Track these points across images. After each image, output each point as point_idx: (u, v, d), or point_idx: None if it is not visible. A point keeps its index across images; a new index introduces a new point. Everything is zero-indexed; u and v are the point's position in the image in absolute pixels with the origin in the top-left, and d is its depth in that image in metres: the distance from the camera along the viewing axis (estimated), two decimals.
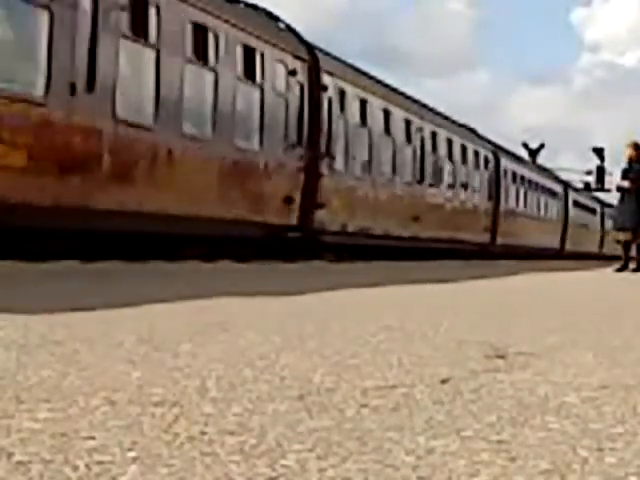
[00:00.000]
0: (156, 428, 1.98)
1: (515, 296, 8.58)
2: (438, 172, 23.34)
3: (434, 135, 23.08)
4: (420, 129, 21.94)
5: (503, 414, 2.28)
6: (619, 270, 16.50)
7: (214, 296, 6.11)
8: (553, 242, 37.25)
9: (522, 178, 32.40)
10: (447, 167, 24.07)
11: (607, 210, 46.31)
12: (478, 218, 27.19)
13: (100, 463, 1.67)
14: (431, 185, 22.85)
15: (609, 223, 40.59)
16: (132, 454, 1.75)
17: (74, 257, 11.68)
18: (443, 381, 2.78)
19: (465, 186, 25.67)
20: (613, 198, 50.15)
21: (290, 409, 2.25)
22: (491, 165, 28.59)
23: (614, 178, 42.90)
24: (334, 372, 2.87)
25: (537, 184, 34.76)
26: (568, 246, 39.25)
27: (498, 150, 29.98)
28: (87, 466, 1.65)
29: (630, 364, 3.33)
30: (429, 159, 22.48)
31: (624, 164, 16.71)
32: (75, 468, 1.64)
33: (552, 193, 37.50)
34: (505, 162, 29.97)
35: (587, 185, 48.36)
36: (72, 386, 2.45)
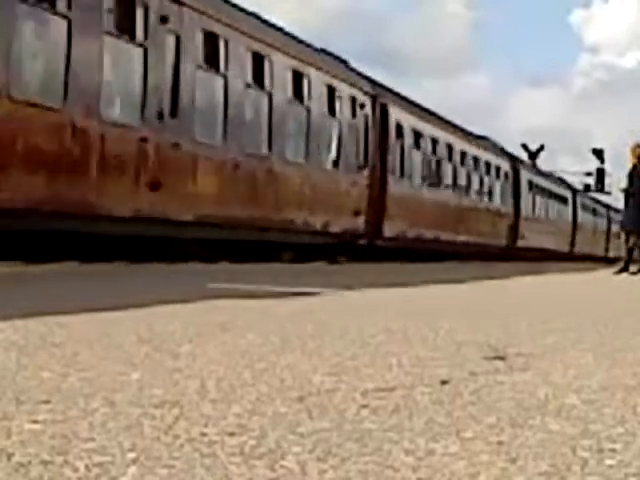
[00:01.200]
0: (156, 429, 1.98)
1: (514, 297, 8.58)
2: (468, 183, 27.91)
3: (464, 153, 27.66)
4: (457, 149, 26.68)
5: (503, 415, 2.28)
6: (619, 272, 16.51)
7: (214, 297, 6.11)
8: (564, 245, 40.72)
9: (537, 186, 36.33)
10: (476, 178, 28.65)
11: (612, 214, 47.80)
12: (501, 223, 31.59)
13: (100, 464, 1.67)
14: (466, 194, 27.66)
15: (615, 227, 43.46)
16: (132, 455, 1.75)
17: (74, 258, 11.68)
18: (443, 382, 2.78)
19: (490, 194, 30.12)
20: (612, 199, 50.62)
21: (290, 410, 2.25)
22: (510, 176, 32.81)
23: (614, 179, 43.22)
24: (334, 373, 2.87)
25: (550, 191, 38.54)
26: (577, 249, 42.45)
27: (518, 162, 34.57)
28: (87, 467, 1.65)
29: (630, 365, 3.33)
30: (462, 173, 27.11)
31: (627, 167, 16.72)
32: (75, 469, 1.64)
33: (562, 199, 41.00)
34: (523, 172, 34.35)
35: (587, 187, 48.34)
36: (72, 387, 2.45)
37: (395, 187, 21.17)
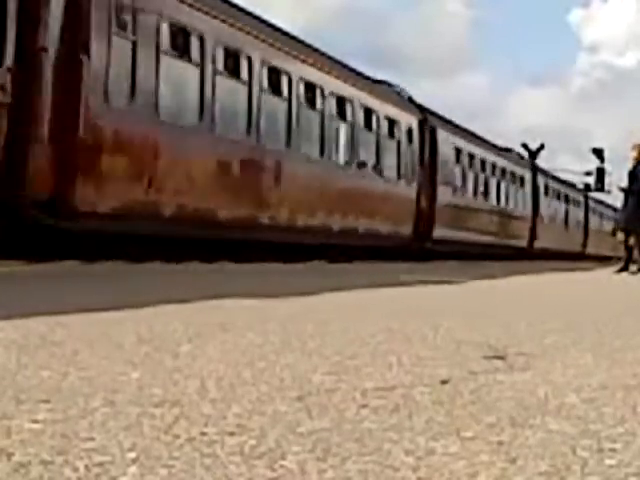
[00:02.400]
0: (156, 429, 1.98)
1: (515, 297, 8.58)
2: (497, 191, 31.65)
3: (495, 164, 30.97)
4: (487, 161, 29.95)
5: (503, 415, 2.28)
6: (619, 271, 16.51)
7: (214, 297, 6.11)
8: (577, 245, 43.99)
9: (553, 190, 39.34)
10: (503, 187, 31.76)
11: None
12: (520, 225, 34.17)
13: (100, 464, 1.67)
14: (497, 201, 31.43)
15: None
16: (132, 455, 1.75)
17: (74, 258, 11.69)
18: (443, 382, 2.78)
19: (516, 200, 33.07)
20: (612, 199, 50.74)
21: (290, 410, 2.25)
22: (530, 181, 35.83)
23: (614, 179, 43.37)
24: (334, 373, 2.87)
25: (566, 195, 41.91)
26: (589, 249, 45.79)
27: (537, 169, 37.35)
28: (87, 467, 1.65)
29: (630, 365, 3.33)
30: (492, 182, 30.54)
31: (627, 166, 16.72)
32: (75, 469, 1.64)
33: (575, 202, 44.08)
34: (540, 178, 36.57)
35: (587, 186, 48.33)
36: (72, 387, 2.45)
37: (442, 196, 25.31)
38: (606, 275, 16.67)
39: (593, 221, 48.05)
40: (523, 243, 34.51)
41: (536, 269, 19.97)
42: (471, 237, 27.64)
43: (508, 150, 35.11)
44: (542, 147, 48.37)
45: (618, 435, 2.10)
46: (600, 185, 47.22)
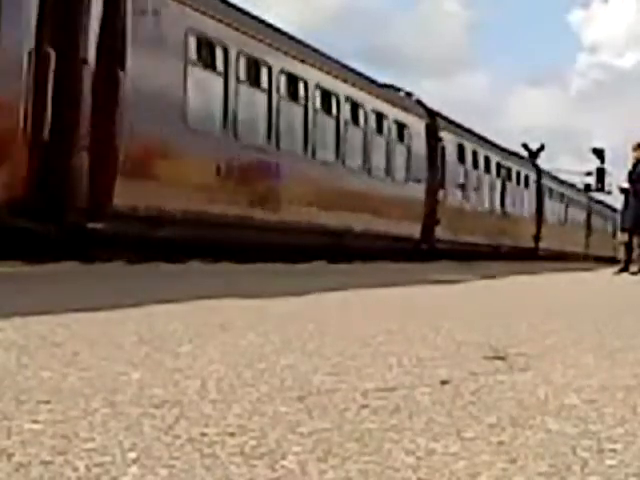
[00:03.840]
0: (156, 429, 1.98)
1: (515, 297, 8.58)
2: (502, 192, 32.22)
3: (499, 164, 31.14)
4: (495, 163, 30.45)
5: (503, 415, 2.28)
6: (619, 272, 16.51)
7: (214, 297, 6.11)
8: (579, 247, 44.60)
9: (557, 193, 39.94)
10: (509, 187, 31.76)
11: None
12: (527, 227, 34.62)
13: (100, 464, 1.68)
14: (502, 203, 31.93)
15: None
16: (132, 455, 1.75)
17: (74, 258, 11.70)
18: (443, 382, 2.78)
19: (514, 203, 32.69)
20: (612, 199, 50.77)
21: (290, 410, 2.25)
22: (534, 183, 36.33)
23: (614, 179, 43.39)
24: (334, 373, 2.87)
25: (569, 197, 42.62)
26: (590, 250, 46.46)
27: (542, 172, 37.90)
28: (87, 467, 1.66)
29: (630, 365, 3.33)
30: (497, 184, 30.87)
31: (627, 166, 16.73)
32: (75, 469, 1.64)
33: (580, 204, 45.05)
34: (545, 181, 36.84)
35: (587, 186, 48.34)
36: (72, 387, 2.45)
37: (447, 198, 26.09)
38: (606, 275, 16.67)
39: (595, 223, 48.93)
40: (531, 244, 35.29)
41: (536, 269, 19.98)
42: (477, 240, 28.36)
43: (515, 154, 35.40)
44: (542, 147, 48.40)
45: (619, 436, 2.10)
46: (600, 185, 47.23)
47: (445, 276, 12.64)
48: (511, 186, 31.89)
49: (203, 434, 1.95)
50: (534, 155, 46.80)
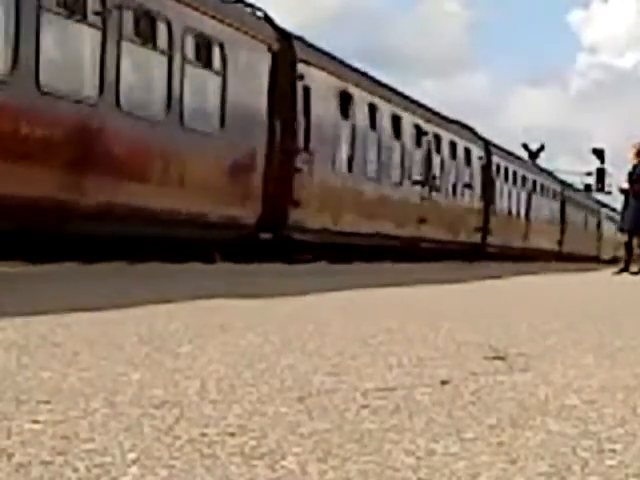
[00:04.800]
0: (156, 430, 1.98)
1: (515, 297, 8.58)
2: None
3: (420, 129, 26.29)
4: (413, 125, 25.14)
5: (503, 416, 2.28)
6: (619, 272, 16.51)
7: (214, 297, 6.11)
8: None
9: (516, 176, 38.15)
10: (435, 162, 26.51)
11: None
12: (469, 217, 33.02)
13: (100, 465, 1.67)
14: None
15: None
16: (132, 456, 1.75)
17: (74, 259, 11.70)
18: (443, 382, 2.78)
19: (448, 183, 29.17)
20: (612, 199, 50.74)
21: (290, 411, 2.25)
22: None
23: (614, 180, 43.36)
24: (334, 374, 2.87)
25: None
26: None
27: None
28: (87, 468, 1.65)
29: (630, 365, 3.33)
30: (415, 156, 26.52)
31: (627, 167, 16.73)
32: (75, 470, 1.64)
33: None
34: (497, 158, 32.75)
35: (587, 187, 48.32)
36: (72, 387, 2.45)
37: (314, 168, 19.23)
38: (606, 276, 16.67)
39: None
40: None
41: (537, 270, 19.97)
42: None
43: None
44: (542, 148, 48.40)
45: (618, 436, 2.09)
46: (600, 186, 47.20)
47: (445, 276, 12.64)
48: (441, 160, 25.21)
49: (203, 434, 1.95)
50: (534, 155, 46.79)
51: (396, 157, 22.03)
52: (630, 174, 16.46)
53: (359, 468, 1.72)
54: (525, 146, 47.83)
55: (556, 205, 39.65)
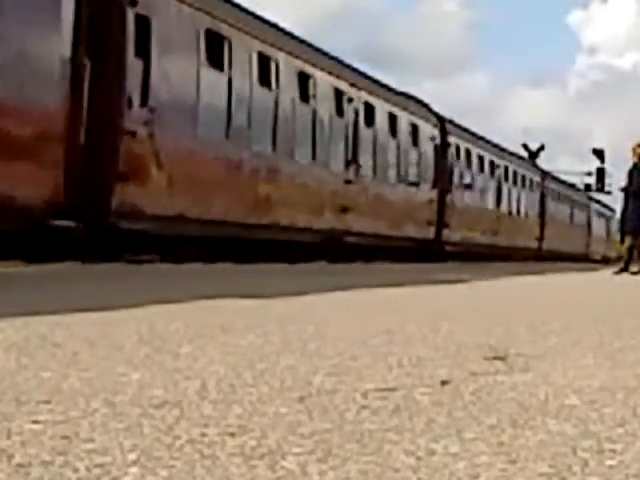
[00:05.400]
0: (156, 430, 1.98)
1: (515, 298, 8.58)
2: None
3: (339, 93, 21.77)
4: (330, 88, 20.86)
5: (503, 416, 2.28)
6: (619, 272, 16.51)
7: (214, 297, 6.11)
8: (581, 248, 44.95)
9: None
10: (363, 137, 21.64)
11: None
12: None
13: (100, 465, 1.67)
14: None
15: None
16: (132, 456, 1.75)
17: (74, 258, 11.69)
18: (443, 383, 2.78)
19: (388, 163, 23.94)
20: (612, 200, 50.90)
21: (290, 411, 2.25)
22: (538, 187, 35.80)
23: (614, 180, 43.44)
24: (334, 374, 2.87)
25: (571, 198, 43.06)
26: (592, 252, 46.81)
27: (546, 176, 37.28)
28: (87, 468, 1.65)
29: (630, 366, 3.33)
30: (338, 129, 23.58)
31: (626, 166, 16.74)
32: (75, 470, 1.64)
33: (580, 205, 45.28)
34: (454, 138, 28.54)
35: (587, 186, 48.32)
36: (72, 388, 2.45)
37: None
38: (606, 276, 16.67)
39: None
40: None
41: (536, 270, 19.98)
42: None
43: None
44: (542, 148, 48.40)
45: (619, 436, 2.09)
46: (601, 185, 47.19)
47: (445, 276, 12.64)
48: (374, 136, 20.77)
49: (203, 435, 1.95)
50: (534, 155, 46.79)
51: (303, 126, 17.02)
52: (630, 173, 16.47)
53: (359, 468, 1.72)
54: (525, 146, 47.85)
55: (534, 197, 35.63)
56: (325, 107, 18.17)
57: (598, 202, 50.37)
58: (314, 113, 17.59)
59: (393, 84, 23.32)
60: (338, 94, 18.74)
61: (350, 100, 19.37)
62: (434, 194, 24.85)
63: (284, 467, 1.71)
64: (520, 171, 33.94)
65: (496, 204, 30.75)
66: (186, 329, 4.01)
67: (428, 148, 24.41)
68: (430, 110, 25.42)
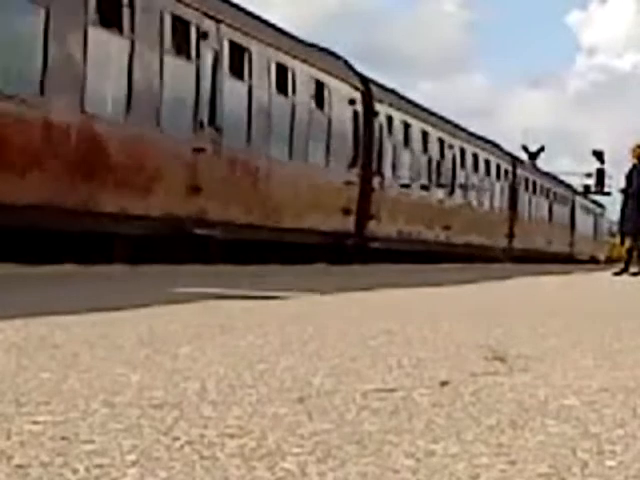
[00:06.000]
0: (156, 431, 1.98)
1: (514, 299, 8.58)
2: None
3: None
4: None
5: (503, 417, 2.28)
6: (619, 273, 16.51)
7: (214, 298, 6.11)
8: (563, 247, 44.17)
9: (535, 185, 38.82)
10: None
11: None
12: (497, 222, 31.98)
13: (100, 466, 1.67)
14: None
15: None
16: (132, 457, 1.75)
17: (73, 260, 11.69)
18: (443, 384, 2.78)
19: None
20: (612, 200, 50.93)
21: (290, 412, 2.24)
22: (507, 175, 31.73)
23: (613, 181, 43.53)
24: (334, 375, 2.87)
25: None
26: (576, 252, 46.11)
27: (518, 163, 34.11)
28: (87, 469, 1.65)
29: (630, 367, 3.33)
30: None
31: (626, 167, 16.75)
32: (75, 471, 1.64)
33: (562, 198, 43.82)
34: (383, 106, 25.14)
35: (587, 188, 48.32)
36: (72, 389, 2.45)
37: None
38: (606, 277, 16.67)
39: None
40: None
41: (536, 271, 19.98)
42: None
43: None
44: (542, 149, 48.40)
45: (618, 437, 2.09)
46: (600, 187, 47.18)
47: (445, 277, 12.64)
48: (248, 89, 15.48)
49: (202, 436, 1.95)
50: (534, 156, 46.80)
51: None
52: (629, 174, 16.48)
53: (359, 469, 1.72)
54: (525, 147, 47.86)
55: (502, 186, 31.12)
56: (153, 39, 12.94)
57: (585, 196, 47.05)
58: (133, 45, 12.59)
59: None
60: (182, 24, 13.77)
61: (204, 35, 14.06)
62: (354, 176, 19.59)
63: (283, 468, 1.71)
64: (483, 155, 28.88)
65: (449, 193, 25.72)
66: (185, 330, 4.01)
67: (344, 115, 18.99)
68: (351, 67, 20.14)
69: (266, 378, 2.75)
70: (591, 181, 47.93)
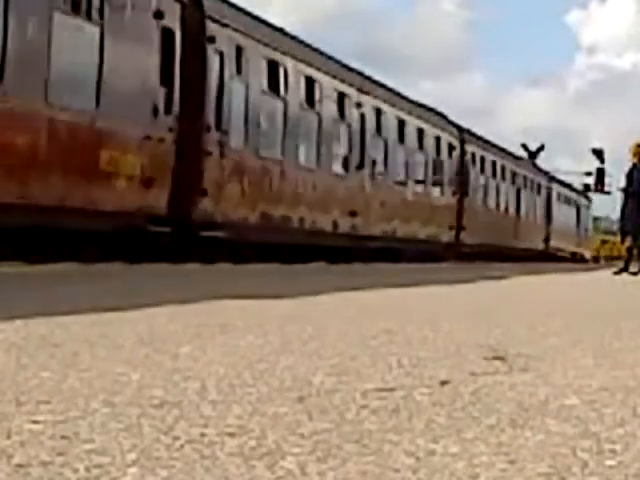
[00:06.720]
0: (156, 430, 1.98)
1: (514, 298, 8.58)
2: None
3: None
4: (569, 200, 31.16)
5: (503, 416, 2.28)
6: (619, 272, 16.51)
7: (214, 298, 6.11)
8: (536, 243, 46.49)
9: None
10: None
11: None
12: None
13: (100, 465, 1.67)
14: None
15: None
16: (132, 456, 1.75)
17: (74, 259, 11.69)
18: (443, 383, 2.78)
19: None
20: (612, 200, 50.83)
21: (290, 411, 2.24)
22: (454, 152, 26.04)
23: (613, 180, 43.53)
24: (334, 374, 2.87)
25: (569, 198, 44.00)
26: (583, 251, 47.29)
27: (468, 137, 27.08)
28: (87, 468, 1.65)
29: (630, 366, 3.33)
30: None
31: (626, 166, 16.75)
32: (75, 470, 1.64)
33: (535, 185, 42.60)
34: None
35: (587, 187, 48.32)
36: (72, 388, 2.45)
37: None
38: (606, 276, 16.67)
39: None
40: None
41: (536, 270, 19.99)
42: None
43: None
44: (542, 148, 48.40)
45: (618, 436, 2.09)
46: (600, 186, 47.16)
47: (445, 276, 12.64)
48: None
49: (203, 435, 1.95)
50: (533, 155, 46.80)
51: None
52: (629, 173, 16.48)
53: (359, 469, 1.72)
54: (524, 146, 47.86)
55: (447, 166, 25.47)
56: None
57: (566, 185, 41.03)
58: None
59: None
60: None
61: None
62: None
63: (283, 467, 1.71)
64: (413, 122, 23.00)
65: (356, 167, 19.84)
66: (185, 329, 4.01)
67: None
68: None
69: (266, 377, 2.75)
70: (591, 180, 47.95)
